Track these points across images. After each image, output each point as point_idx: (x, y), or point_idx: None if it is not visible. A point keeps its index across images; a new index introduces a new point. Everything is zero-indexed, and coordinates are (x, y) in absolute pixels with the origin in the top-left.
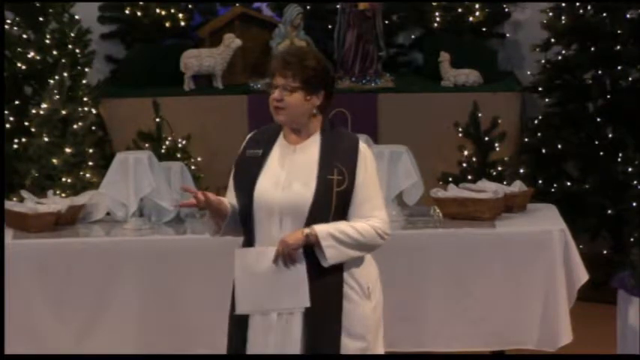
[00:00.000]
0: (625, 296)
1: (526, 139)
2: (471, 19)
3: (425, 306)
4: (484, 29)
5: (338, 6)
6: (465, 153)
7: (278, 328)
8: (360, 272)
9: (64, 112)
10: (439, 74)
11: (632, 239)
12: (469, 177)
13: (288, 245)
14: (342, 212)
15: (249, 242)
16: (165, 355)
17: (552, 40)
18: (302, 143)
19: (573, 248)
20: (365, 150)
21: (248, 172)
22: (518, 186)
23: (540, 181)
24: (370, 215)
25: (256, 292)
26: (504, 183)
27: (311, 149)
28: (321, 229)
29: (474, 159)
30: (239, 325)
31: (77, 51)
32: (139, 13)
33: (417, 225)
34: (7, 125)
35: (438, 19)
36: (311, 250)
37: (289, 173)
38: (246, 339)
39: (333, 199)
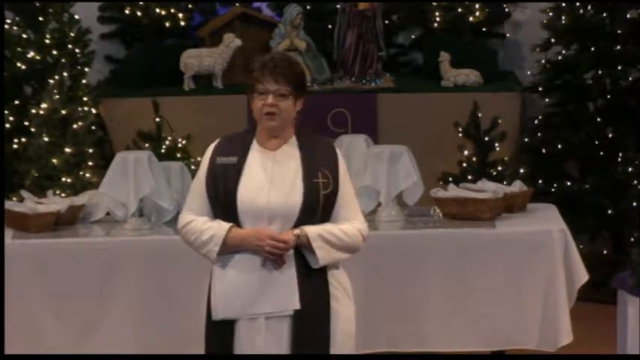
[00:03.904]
0: (625, 296)
1: (526, 139)
2: (471, 19)
3: (425, 306)
4: (484, 29)
5: (338, 6)
6: (465, 153)
7: (266, 330)
8: (340, 274)
9: (63, 112)
10: (439, 74)
11: (632, 239)
12: (469, 177)
13: (280, 247)
14: (327, 215)
15: None
16: (165, 355)
17: (552, 40)
18: (281, 148)
19: (573, 248)
20: (340, 154)
21: (226, 180)
22: (518, 186)
23: (540, 181)
24: (352, 217)
25: (241, 296)
26: (504, 183)
27: (291, 154)
28: (311, 230)
29: (474, 159)
30: (223, 329)
31: (77, 51)
32: (139, 13)
33: (417, 225)
34: (7, 125)
35: (438, 19)
36: (298, 252)
37: (273, 178)
38: (232, 343)
39: (321, 201)
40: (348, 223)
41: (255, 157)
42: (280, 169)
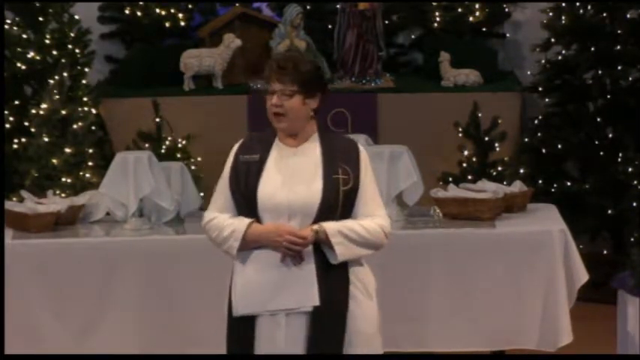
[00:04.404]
0: (625, 296)
1: (526, 139)
2: (471, 19)
3: (425, 306)
4: (484, 29)
5: (338, 6)
6: (465, 153)
7: (287, 327)
8: (363, 272)
9: (63, 112)
10: (439, 74)
11: (632, 239)
12: (469, 177)
13: (298, 243)
14: (347, 212)
15: None
16: (165, 355)
17: (552, 40)
18: (301, 145)
19: (573, 248)
20: (363, 150)
21: (247, 177)
22: (518, 186)
23: (540, 181)
24: (374, 214)
25: (261, 292)
26: (504, 183)
27: (311, 151)
28: (330, 226)
29: (474, 159)
30: (244, 325)
31: (77, 51)
32: (139, 13)
33: (417, 225)
34: (7, 125)
35: (438, 19)
36: (318, 248)
37: (293, 174)
38: (253, 339)
39: (340, 197)
40: (370, 219)
41: (277, 154)
42: (300, 165)
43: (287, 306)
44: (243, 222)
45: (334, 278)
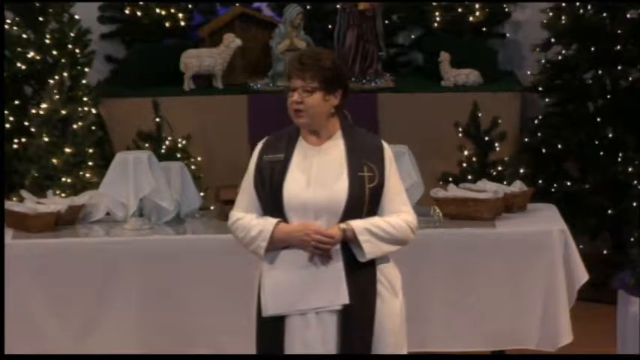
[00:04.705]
0: (625, 296)
1: (526, 139)
2: (471, 19)
3: (425, 306)
4: (484, 29)
5: (338, 6)
6: (465, 153)
7: (317, 325)
8: (390, 269)
9: (64, 112)
10: (439, 74)
11: (632, 239)
12: (469, 177)
13: (326, 242)
14: (373, 209)
15: None
16: (166, 355)
17: (552, 40)
18: (325, 143)
19: (573, 248)
20: (387, 147)
21: (272, 177)
22: (518, 186)
23: (540, 181)
24: (400, 210)
25: (290, 292)
26: (504, 183)
27: (336, 148)
28: (357, 224)
29: (474, 159)
30: (274, 325)
31: (77, 51)
32: (139, 13)
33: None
34: (7, 125)
35: (438, 19)
36: (345, 246)
37: (318, 173)
38: (283, 339)
39: (366, 195)
40: (396, 215)
41: (301, 153)
42: (325, 163)
43: (317, 305)
44: (270, 222)
45: (362, 276)
